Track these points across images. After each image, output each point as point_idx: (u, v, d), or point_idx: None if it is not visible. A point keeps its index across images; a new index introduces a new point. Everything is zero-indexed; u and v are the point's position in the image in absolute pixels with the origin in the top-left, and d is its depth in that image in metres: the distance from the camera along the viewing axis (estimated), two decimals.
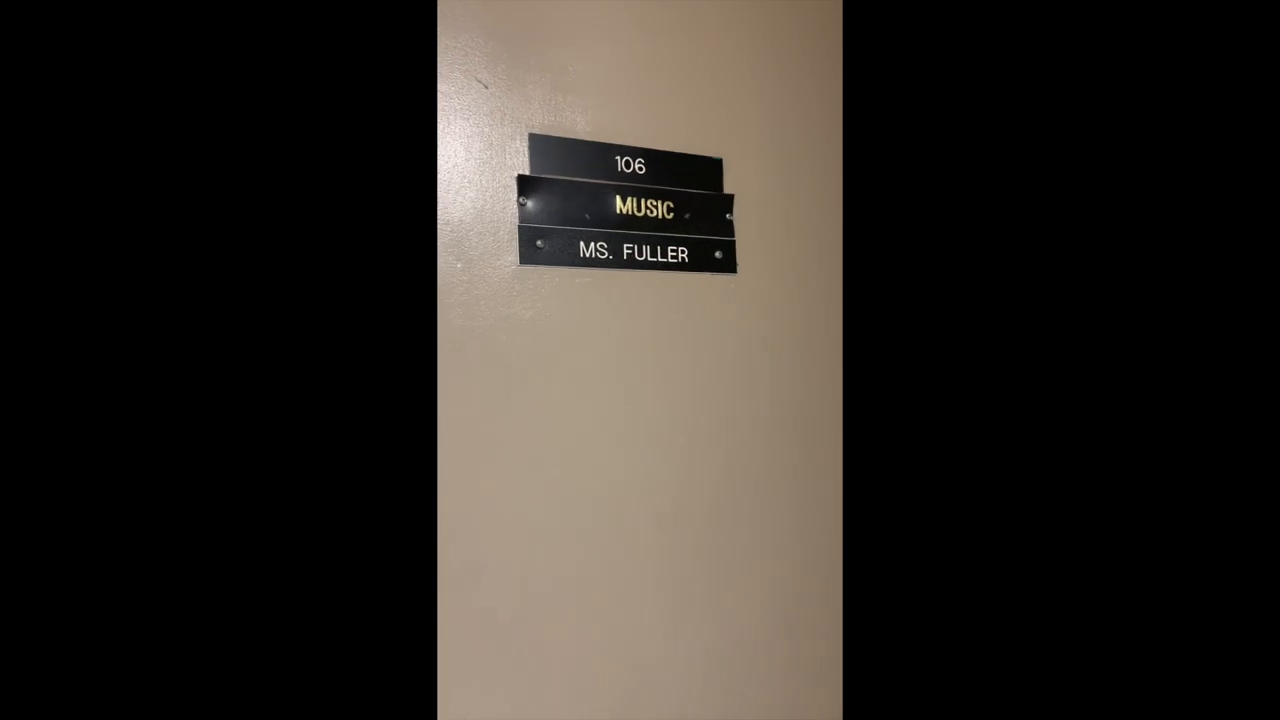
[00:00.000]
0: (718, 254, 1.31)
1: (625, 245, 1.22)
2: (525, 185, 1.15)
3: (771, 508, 1.35)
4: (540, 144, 1.17)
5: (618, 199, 1.22)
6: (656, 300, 1.26)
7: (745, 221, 1.34)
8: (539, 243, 1.15)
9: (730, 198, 1.32)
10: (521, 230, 1.14)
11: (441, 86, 1.09)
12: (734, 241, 1.33)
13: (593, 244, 1.20)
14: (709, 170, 1.31)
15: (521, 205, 1.14)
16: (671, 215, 1.27)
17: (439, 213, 1.08)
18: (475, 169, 1.12)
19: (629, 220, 1.23)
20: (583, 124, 1.21)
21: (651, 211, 1.25)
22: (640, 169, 1.25)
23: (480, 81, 1.12)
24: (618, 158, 1.23)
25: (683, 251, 1.28)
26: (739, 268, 1.33)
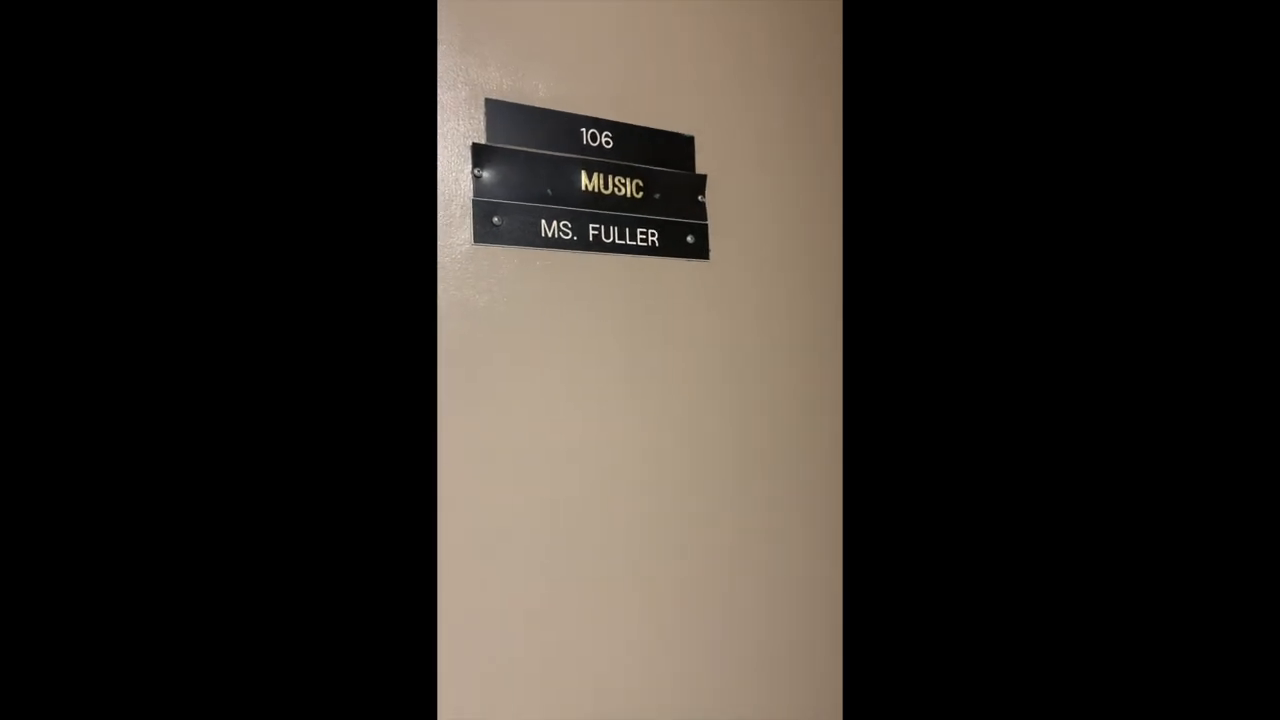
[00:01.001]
0: (689, 238, 1.21)
1: (591, 226, 1.12)
2: (480, 155, 1.03)
3: (745, 504, 1.26)
4: (498, 110, 1.05)
5: (583, 174, 1.12)
6: (624, 287, 1.15)
7: (718, 205, 1.25)
8: (495, 219, 1.04)
9: (703, 178, 1.23)
10: (476, 205, 1.03)
11: None
12: (707, 225, 1.23)
13: (555, 223, 1.09)
14: (680, 147, 1.22)
15: (476, 177, 1.03)
16: (641, 195, 1.17)
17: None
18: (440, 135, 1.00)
19: (595, 198, 1.13)
20: (544, 91, 1.10)
21: (619, 190, 1.15)
22: (608, 143, 1.14)
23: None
24: (583, 130, 1.12)
25: (652, 235, 1.18)
26: (711, 254, 1.24)
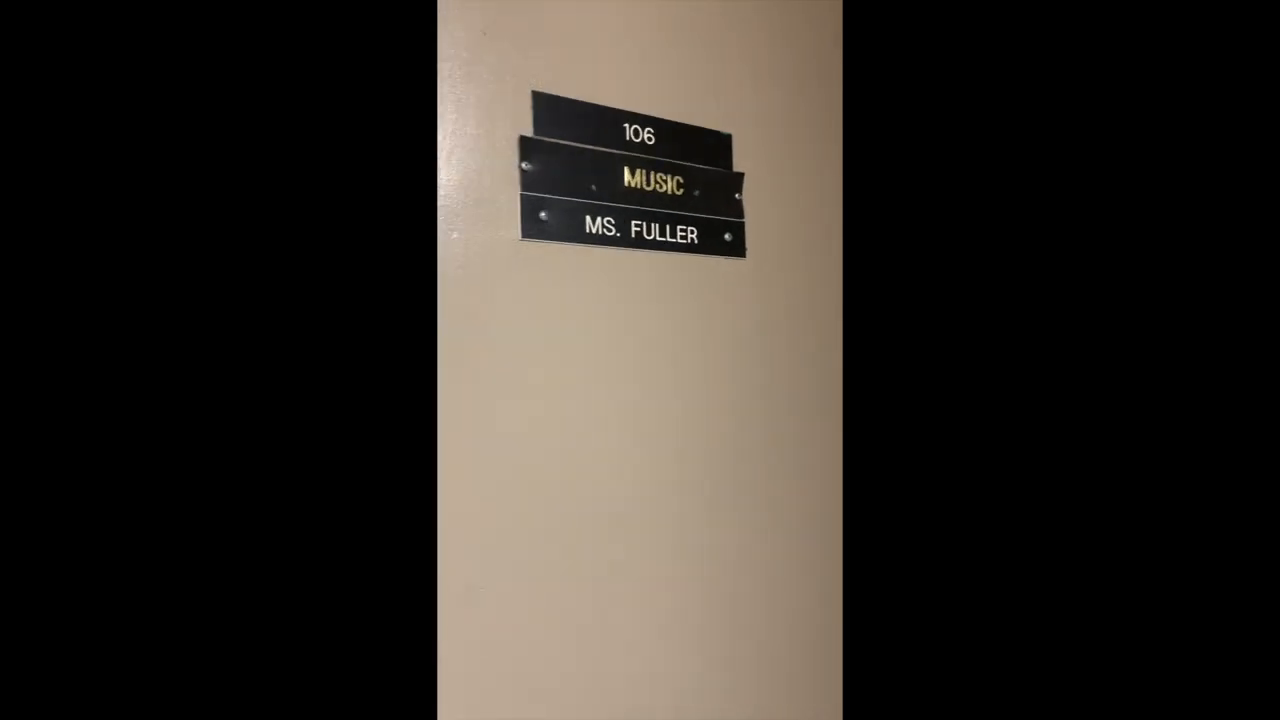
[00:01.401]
0: (727, 236, 1.20)
1: (634, 222, 1.11)
2: (527, 148, 1.01)
3: (779, 501, 1.25)
4: (545, 103, 1.03)
5: (626, 170, 1.10)
6: (665, 285, 1.14)
7: (754, 204, 1.24)
8: (542, 214, 1.02)
9: (740, 176, 1.22)
10: (524, 199, 1.01)
11: (438, 30, 0.95)
12: (744, 224, 1.23)
13: (600, 219, 1.07)
14: (719, 146, 1.21)
15: (524, 171, 1.01)
16: (681, 191, 1.16)
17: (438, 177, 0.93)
18: (472, 126, 0.97)
19: (637, 195, 1.11)
20: (590, 85, 1.08)
21: (661, 186, 1.14)
22: (650, 139, 1.13)
23: (480, 28, 0.99)
24: (626, 125, 1.11)
25: (692, 232, 1.17)
26: (748, 252, 1.23)
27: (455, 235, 0.96)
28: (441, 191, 0.94)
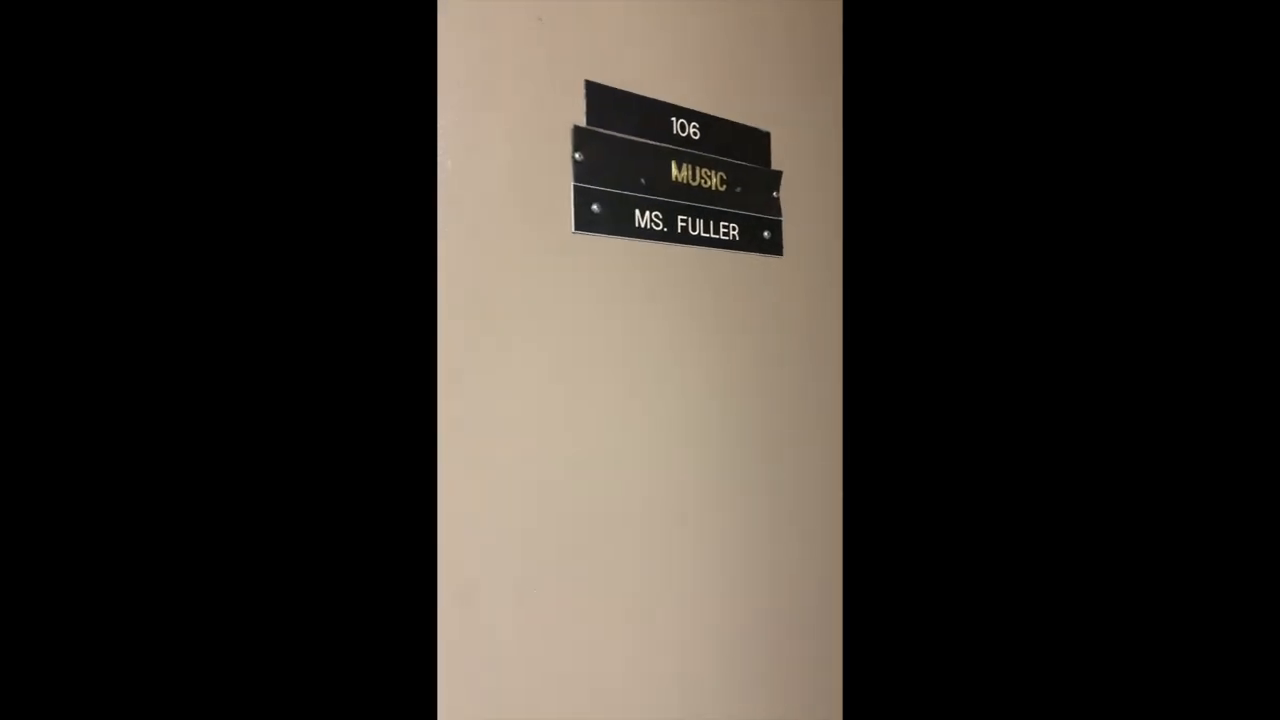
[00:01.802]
0: (766, 234, 1.20)
1: (680, 217, 1.09)
2: (581, 138, 0.99)
3: (805, 503, 1.25)
4: (598, 94, 1.01)
5: (673, 165, 1.09)
6: (708, 282, 1.13)
7: (790, 202, 1.24)
8: (594, 207, 1.00)
9: (778, 174, 1.22)
10: (577, 191, 0.99)
11: (491, 17, 0.92)
12: (781, 221, 1.22)
13: (648, 213, 1.06)
14: (759, 143, 1.20)
15: (577, 162, 0.99)
16: (724, 188, 1.15)
17: (481, 163, 0.90)
18: (524, 114, 0.95)
19: (684, 190, 1.10)
20: (641, 76, 1.07)
21: (705, 182, 1.13)
22: (695, 134, 1.12)
23: (536, 16, 0.96)
24: (674, 119, 1.09)
25: (733, 229, 1.16)
26: (785, 250, 1.23)
27: (501, 228, 0.93)
28: (493, 181, 0.92)
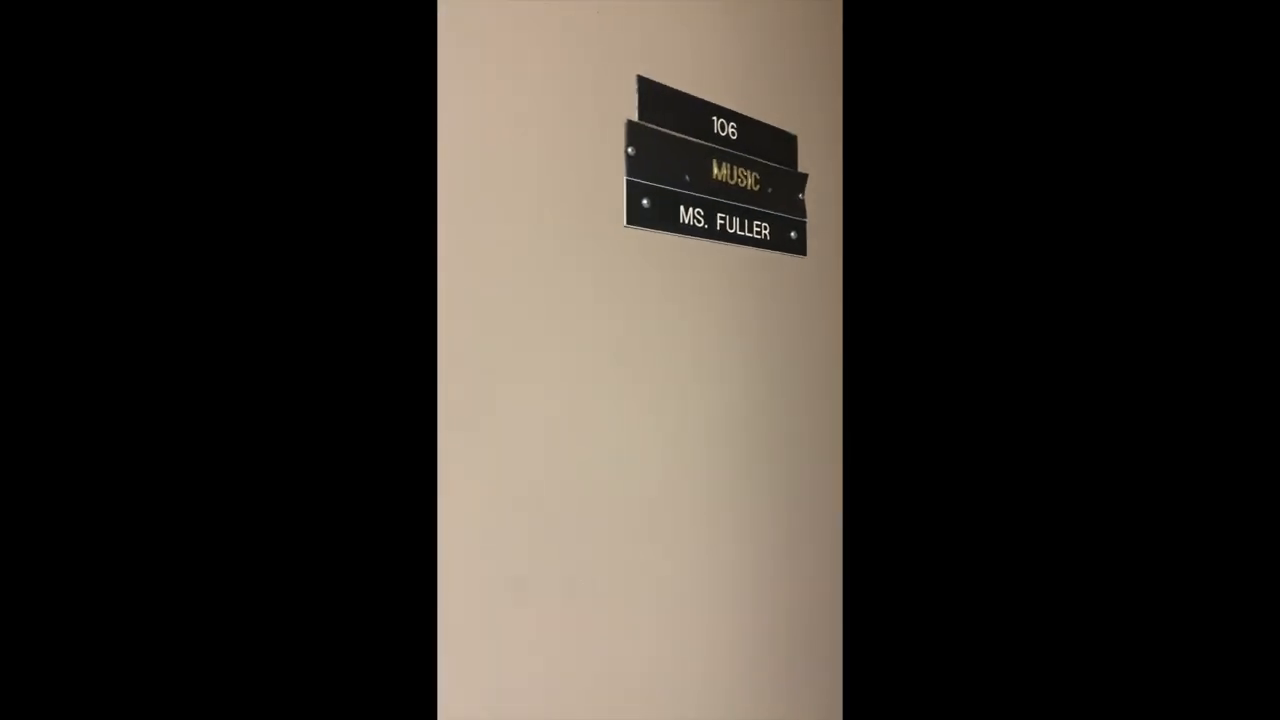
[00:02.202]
0: (792, 234, 1.23)
1: (719, 215, 1.11)
2: (634, 133, 1.00)
3: (820, 507, 1.28)
4: (649, 90, 1.02)
5: (714, 163, 1.10)
6: (742, 279, 1.15)
7: (812, 204, 1.27)
8: (644, 201, 1.01)
9: (804, 177, 1.25)
10: (630, 185, 0.99)
11: (548, 4, 0.92)
12: (806, 223, 1.25)
13: (691, 209, 1.07)
14: (788, 145, 1.23)
15: (630, 156, 0.99)
16: (758, 188, 1.17)
17: (532, 154, 0.90)
18: (580, 107, 0.95)
19: (723, 188, 1.12)
20: (687, 75, 1.08)
21: (742, 181, 1.15)
22: (733, 134, 1.14)
23: (594, 7, 0.96)
24: (714, 118, 1.11)
25: (765, 228, 1.18)
26: (808, 251, 1.26)
27: (556, 221, 0.93)
28: (549, 173, 0.91)
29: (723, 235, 1.11)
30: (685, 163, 1.06)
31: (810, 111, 1.28)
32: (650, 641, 1.01)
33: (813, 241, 1.27)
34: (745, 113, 1.16)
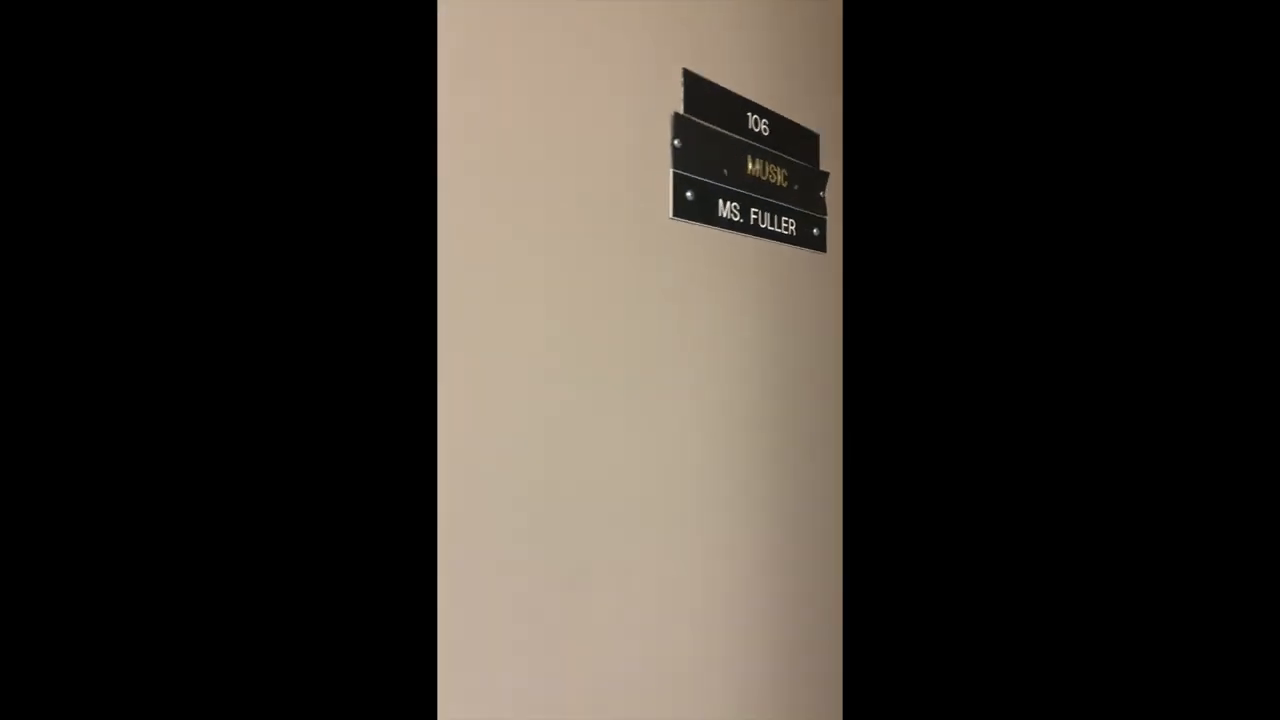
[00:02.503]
0: (815, 231, 1.25)
1: (752, 210, 1.12)
2: (679, 126, 1.00)
3: (828, 503, 1.31)
4: (694, 83, 1.03)
5: (748, 159, 1.12)
6: (771, 273, 1.17)
7: (831, 203, 1.30)
8: (688, 194, 1.02)
9: (825, 175, 1.27)
10: (676, 178, 1.00)
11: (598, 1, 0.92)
12: (826, 220, 1.28)
13: (728, 204, 1.08)
14: (811, 143, 1.25)
15: (675, 148, 1.00)
16: (786, 184, 1.19)
17: (581, 143, 0.90)
18: (628, 99, 0.95)
19: (756, 183, 1.13)
20: (726, 70, 1.09)
21: (772, 177, 1.16)
22: (765, 130, 1.15)
23: None
24: (749, 114, 1.12)
25: (792, 224, 1.20)
26: (828, 248, 1.28)
27: (603, 212, 0.93)
28: (599, 165, 0.91)
29: (755, 230, 1.13)
30: (723, 157, 1.07)
31: (831, 110, 1.30)
32: (650, 642, 1.02)
33: (833, 240, 1.30)
34: (777, 110, 1.18)
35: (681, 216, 1.00)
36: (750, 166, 1.12)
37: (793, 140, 1.20)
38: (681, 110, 1.01)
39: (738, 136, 1.10)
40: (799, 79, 1.23)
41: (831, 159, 1.29)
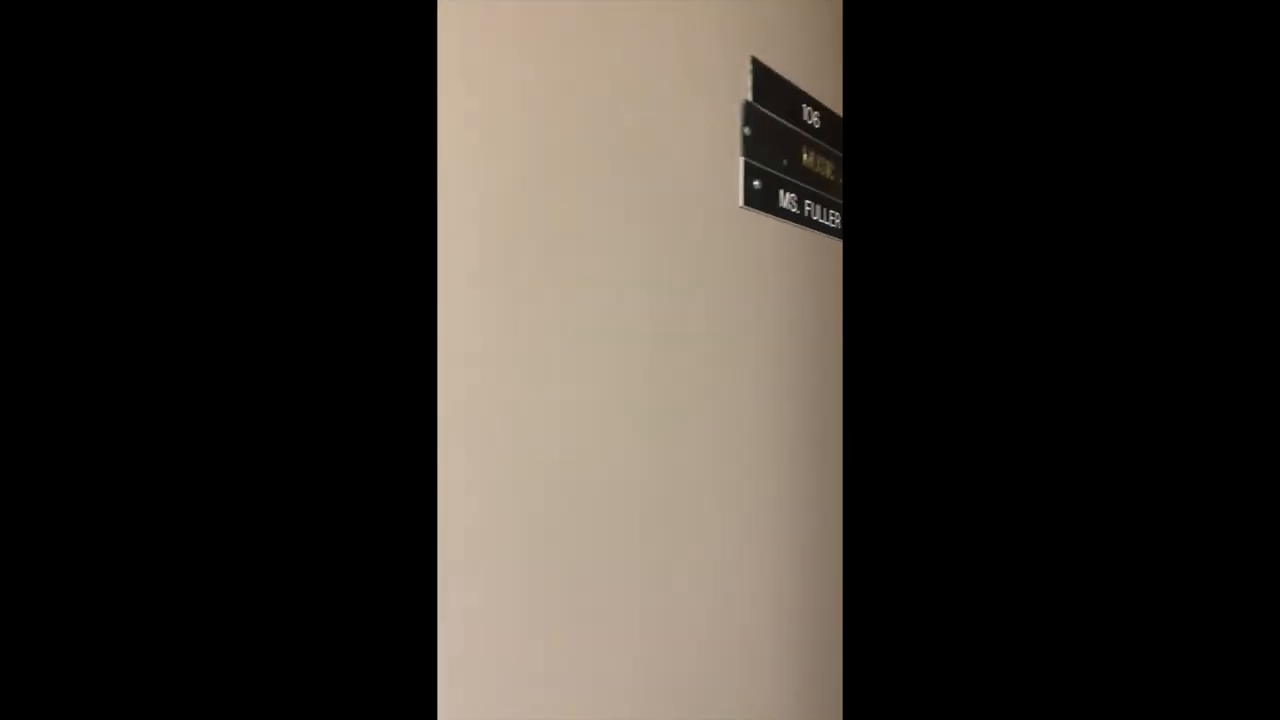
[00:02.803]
0: None
1: (806, 202, 1.13)
2: (749, 114, 1.00)
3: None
4: (762, 73, 1.03)
5: (804, 151, 1.12)
6: (821, 264, 1.17)
7: None
8: (755, 183, 1.01)
9: None
10: (745, 167, 0.99)
11: None
12: None
13: (787, 194, 1.08)
14: None
15: (745, 137, 0.99)
16: (834, 177, 1.20)
17: (647, 133, 0.89)
18: (699, 88, 0.94)
19: (810, 175, 1.13)
20: (786, 61, 1.09)
21: (823, 170, 1.17)
22: (817, 123, 1.16)
23: None
24: (804, 106, 1.13)
25: (837, 217, 1.21)
26: None
27: (685, 197, 0.92)
28: (672, 153, 0.90)
29: (808, 222, 1.13)
30: (783, 148, 1.07)
31: None
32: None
33: None
34: (826, 103, 1.18)
35: (749, 205, 1.00)
36: (805, 158, 1.12)
37: (840, 133, 1.21)
38: (750, 98, 1.00)
39: (794, 128, 1.10)
40: (837, 75, 1.24)
41: None
